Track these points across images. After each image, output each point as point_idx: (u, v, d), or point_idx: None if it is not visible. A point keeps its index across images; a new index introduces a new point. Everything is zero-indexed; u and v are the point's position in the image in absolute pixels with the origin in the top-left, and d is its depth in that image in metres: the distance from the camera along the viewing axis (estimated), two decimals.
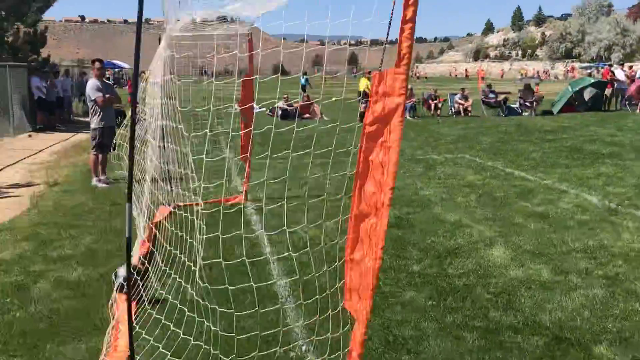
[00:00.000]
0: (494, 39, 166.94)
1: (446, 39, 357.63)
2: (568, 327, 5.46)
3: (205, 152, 4.94)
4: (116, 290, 5.99)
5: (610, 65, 36.02)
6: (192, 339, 4.86)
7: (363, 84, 25.80)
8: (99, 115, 11.88)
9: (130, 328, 4.27)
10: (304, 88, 37.88)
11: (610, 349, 5.04)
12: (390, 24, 3.39)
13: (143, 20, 3.86)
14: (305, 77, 37.37)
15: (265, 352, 4.75)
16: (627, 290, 6.29)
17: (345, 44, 4.24)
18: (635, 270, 6.87)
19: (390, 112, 3.35)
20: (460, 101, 27.30)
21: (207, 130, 4.53)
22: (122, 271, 6.02)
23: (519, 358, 4.90)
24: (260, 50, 5.17)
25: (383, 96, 3.36)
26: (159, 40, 8.10)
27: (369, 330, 5.29)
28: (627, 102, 28.47)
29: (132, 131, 4.20)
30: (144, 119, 8.17)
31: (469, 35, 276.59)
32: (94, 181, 12.03)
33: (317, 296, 4.95)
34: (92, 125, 12.06)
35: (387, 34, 3.49)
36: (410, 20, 3.16)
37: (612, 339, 5.21)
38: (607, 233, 8.34)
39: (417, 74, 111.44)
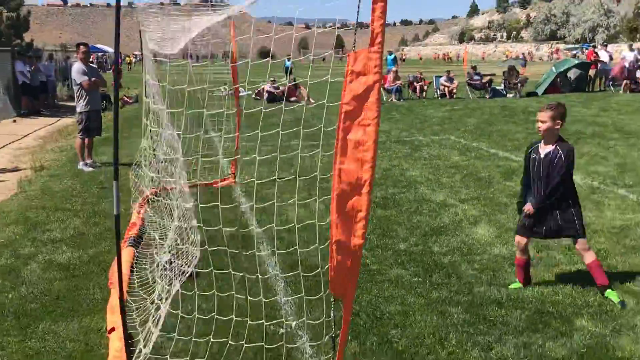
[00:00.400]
0: (478, 21, 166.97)
1: (431, 22, 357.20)
2: (550, 301, 5.60)
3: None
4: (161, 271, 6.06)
5: (594, 47, 36.22)
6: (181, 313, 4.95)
7: None
8: (84, 99, 11.89)
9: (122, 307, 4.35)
10: (289, 71, 37.76)
11: (592, 321, 5.19)
12: (359, 5, 3.47)
13: (126, 4, 3.91)
14: (290, 60, 37.21)
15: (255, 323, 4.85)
16: (608, 266, 6.44)
17: (331, 26, 4.31)
18: (616, 247, 7.03)
19: (367, 90, 3.43)
20: (445, 83, 27.39)
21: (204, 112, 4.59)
22: (164, 258, 6.14)
23: (502, 331, 5.04)
24: (247, 33, 5.22)
25: (358, 75, 3.44)
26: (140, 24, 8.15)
27: (357, 306, 5.42)
28: (611, 83, 28.72)
29: (116, 114, 4.25)
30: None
31: (454, 17, 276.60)
32: (81, 165, 12.05)
33: (302, 273, 5.06)
34: (78, 109, 12.07)
35: (357, 16, 3.56)
36: (380, 0, 3.25)
37: (594, 312, 5.36)
38: (589, 211, 8.48)
39: (404, 56, 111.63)
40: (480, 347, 4.77)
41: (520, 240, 5.90)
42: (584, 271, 6.28)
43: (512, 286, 5.96)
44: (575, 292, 5.77)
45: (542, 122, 5.55)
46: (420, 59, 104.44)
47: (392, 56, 35.97)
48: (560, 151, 5.57)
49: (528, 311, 5.40)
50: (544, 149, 5.65)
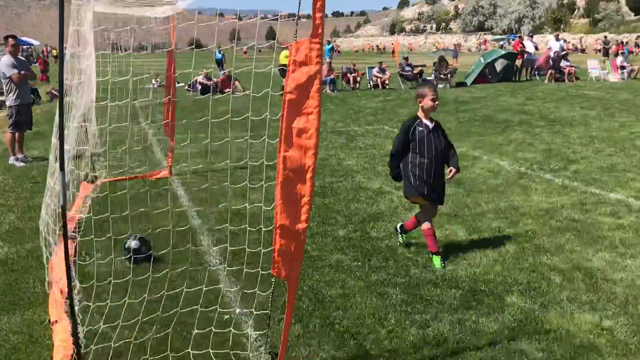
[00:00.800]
0: (409, 12, 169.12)
1: (363, 13, 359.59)
2: (482, 280, 5.89)
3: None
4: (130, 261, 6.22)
5: (520, 37, 37.27)
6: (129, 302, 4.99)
7: (283, 56, 25.82)
8: (14, 93, 11.62)
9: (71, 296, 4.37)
10: (219, 63, 37.49)
11: (521, 298, 5.49)
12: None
13: None
14: (221, 51, 36.95)
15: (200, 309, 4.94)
16: (535, 246, 6.79)
17: (262, 17, 4.41)
18: (543, 228, 7.40)
19: (309, 80, 3.57)
20: (378, 74, 27.78)
21: (132, 105, 4.64)
22: (133, 243, 6.23)
23: (438, 309, 5.28)
24: (179, 25, 5.26)
25: (301, 65, 3.58)
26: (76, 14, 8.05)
27: (299, 291, 5.57)
28: (536, 73, 29.71)
29: (61, 105, 4.26)
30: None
31: (384, 9, 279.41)
32: (12, 160, 11.78)
33: (246, 261, 5.17)
34: (8, 103, 11.79)
35: (299, 7, 3.70)
36: None
37: (523, 289, 5.67)
38: (517, 195, 8.88)
39: (338, 48, 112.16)
40: (417, 325, 4.99)
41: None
42: (513, 252, 6.62)
43: (435, 262, 6.31)
44: (505, 271, 6.08)
45: (437, 99, 6.24)
46: (357, 51, 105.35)
47: (330, 46, 36.60)
48: (439, 123, 6.45)
49: (462, 290, 5.67)
50: (430, 122, 6.30)
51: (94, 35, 7.85)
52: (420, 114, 6.27)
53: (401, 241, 6.88)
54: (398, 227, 6.92)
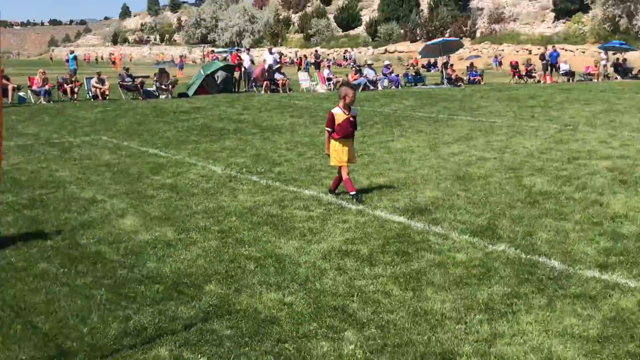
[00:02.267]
0: (131, 23, 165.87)
1: (83, 22, 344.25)
2: (185, 274, 6.36)
3: None
4: None
5: (238, 50, 38.97)
6: None
7: None
8: None
9: None
10: None
11: (219, 285, 6.05)
12: None
13: None
14: None
15: None
16: (236, 240, 7.46)
17: None
18: (245, 223, 8.11)
19: None
20: (97, 85, 27.21)
21: None
22: None
23: (141, 304, 5.63)
24: None
25: None
26: None
27: (0, 302, 5.56)
28: (253, 84, 31.34)
29: None
30: None
31: (106, 18, 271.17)
32: None
33: None
34: None
35: None
36: None
37: (221, 278, 6.25)
38: (225, 196, 9.55)
39: (52, 57, 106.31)
40: (119, 320, 5.29)
41: None
42: (216, 246, 7.20)
43: None
44: (207, 264, 6.62)
45: None
46: (84, 60, 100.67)
47: (73, 55, 36.76)
48: None
49: (165, 285, 6.07)
50: None
51: None
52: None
53: None
54: None
